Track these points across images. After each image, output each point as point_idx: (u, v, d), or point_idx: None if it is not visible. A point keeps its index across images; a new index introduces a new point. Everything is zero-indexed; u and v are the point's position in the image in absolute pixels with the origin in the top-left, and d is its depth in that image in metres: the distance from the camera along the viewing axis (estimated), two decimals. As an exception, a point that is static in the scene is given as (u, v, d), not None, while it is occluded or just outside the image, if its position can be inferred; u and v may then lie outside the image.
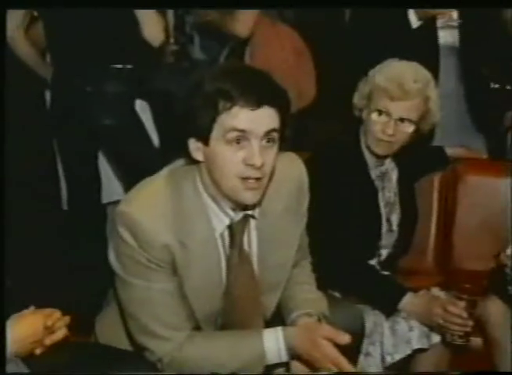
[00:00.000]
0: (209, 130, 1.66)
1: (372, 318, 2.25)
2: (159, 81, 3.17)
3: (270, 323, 1.87)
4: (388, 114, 2.28)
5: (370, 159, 2.41)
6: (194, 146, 1.71)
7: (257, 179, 1.68)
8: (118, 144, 2.99)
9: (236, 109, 1.64)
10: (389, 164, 2.46)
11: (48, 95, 3.11)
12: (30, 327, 1.64)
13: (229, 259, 1.82)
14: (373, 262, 2.44)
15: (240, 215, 1.79)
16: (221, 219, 1.78)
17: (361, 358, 2.18)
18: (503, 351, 2.31)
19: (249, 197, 1.70)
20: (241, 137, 1.65)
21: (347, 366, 1.74)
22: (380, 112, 2.30)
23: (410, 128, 2.31)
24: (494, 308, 2.34)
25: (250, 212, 1.80)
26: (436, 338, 2.23)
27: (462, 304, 2.16)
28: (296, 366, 1.82)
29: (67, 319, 1.71)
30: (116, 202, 2.06)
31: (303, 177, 1.92)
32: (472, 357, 2.32)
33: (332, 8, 3.81)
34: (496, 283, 2.38)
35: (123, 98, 2.93)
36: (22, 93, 2.95)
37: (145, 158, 2.95)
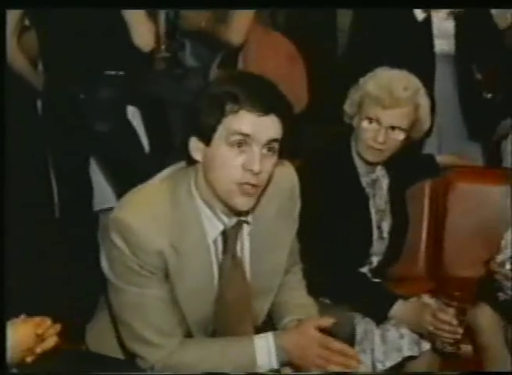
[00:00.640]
0: (213, 131, 1.67)
1: (363, 325, 2.26)
2: (151, 88, 3.18)
3: (260, 331, 1.86)
4: (378, 122, 2.29)
5: (361, 167, 2.41)
6: (195, 145, 1.71)
7: (253, 185, 1.68)
8: (110, 150, 2.98)
9: (242, 113, 1.65)
10: (379, 171, 2.47)
11: (39, 103, 3.11)
12: (20, 336, 1.63)
13: (221, 265, 1.82)
14: (364, 269, 2.44)
15: (233, 220, 1.79)
16: (214, 225, 1.78)
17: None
18: (493, 358, 2.32)
19: (243, 202, 1.70)
20: (243, 142, 1.66)
21: (351, 352, 1.79)
22: (371, 120, 2.30)
23: (400, 136, 2.31)
24: (484, 315, 2.35)
25: (243, 218, 1.81)
26: (427, 346, 2.23)
27: (452, 311, 2.15)
28: (286, 371, 1.83)
29: (58, 327, 1.70)
30: (108, 209, 2.05)
31: (294, 183, 1.93)
32: (462, 364, 2.32)
33: (329, 8, 3.81)
34: (486, 290, 2.39)
35: (116, 104, 2.92)
36: (14, 100, 2.94)
37: (138, 164, 2.95)
